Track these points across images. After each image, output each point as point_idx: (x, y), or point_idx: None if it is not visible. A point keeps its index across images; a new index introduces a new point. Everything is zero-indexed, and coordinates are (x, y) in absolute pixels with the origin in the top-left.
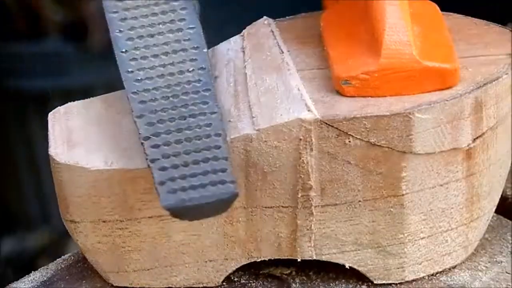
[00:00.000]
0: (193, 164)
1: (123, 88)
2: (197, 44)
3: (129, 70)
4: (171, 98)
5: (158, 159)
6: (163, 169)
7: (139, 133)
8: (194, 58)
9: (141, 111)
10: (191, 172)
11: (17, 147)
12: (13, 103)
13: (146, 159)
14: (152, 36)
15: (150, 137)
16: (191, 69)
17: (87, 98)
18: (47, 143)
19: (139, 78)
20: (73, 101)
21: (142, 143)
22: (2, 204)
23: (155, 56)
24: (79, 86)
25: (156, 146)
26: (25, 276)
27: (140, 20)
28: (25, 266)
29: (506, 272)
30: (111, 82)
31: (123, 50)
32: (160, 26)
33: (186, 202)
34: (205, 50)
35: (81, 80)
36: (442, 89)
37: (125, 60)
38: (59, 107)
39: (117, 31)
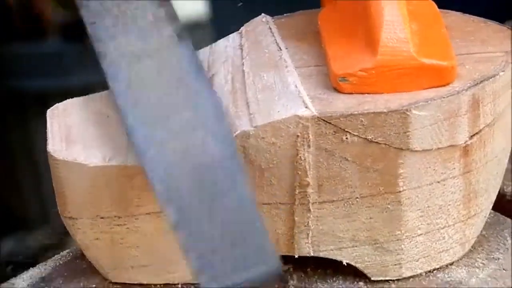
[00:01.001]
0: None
1: None
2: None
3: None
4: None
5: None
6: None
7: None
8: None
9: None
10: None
11: (17, 147)
12: (13, 103)
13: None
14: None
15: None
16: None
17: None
18: (46, 141)
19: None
20: None
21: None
22: (2, 204)
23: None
24: (79, 86)
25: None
26: (23, 272)
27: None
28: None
29: (503, 269)
30: None
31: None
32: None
33: (229, 286)
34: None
35: (81, 81)
36: (439, 86)
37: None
38: (57, 104)
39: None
